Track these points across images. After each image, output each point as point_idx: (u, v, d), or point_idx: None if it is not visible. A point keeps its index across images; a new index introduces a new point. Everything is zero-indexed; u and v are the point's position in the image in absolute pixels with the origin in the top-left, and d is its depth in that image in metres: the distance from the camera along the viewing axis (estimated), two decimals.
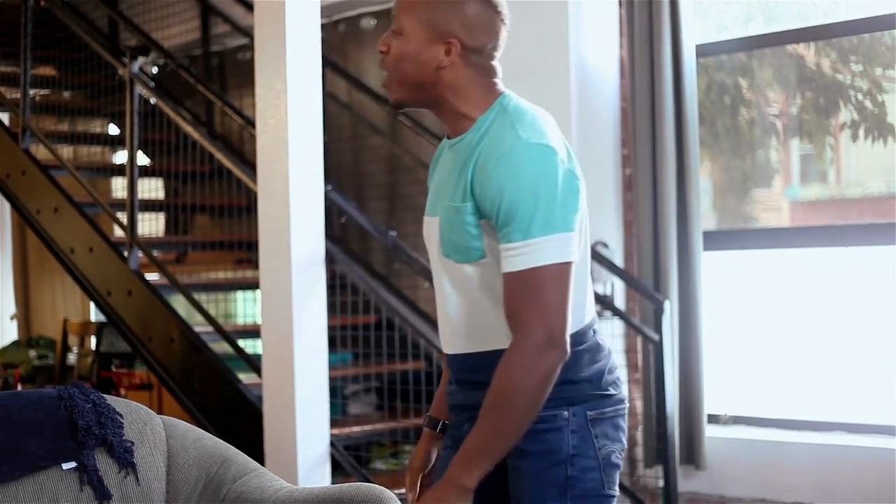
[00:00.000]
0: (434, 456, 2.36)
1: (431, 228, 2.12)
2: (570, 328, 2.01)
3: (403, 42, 2.06)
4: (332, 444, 4.40)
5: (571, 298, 1.98)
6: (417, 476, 2.34)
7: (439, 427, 2.32)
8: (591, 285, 2.12)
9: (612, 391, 2.12)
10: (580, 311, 2.09)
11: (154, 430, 2.73)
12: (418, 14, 2.05)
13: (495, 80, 2.10)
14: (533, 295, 1.94)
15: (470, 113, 2.07)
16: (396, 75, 2.08)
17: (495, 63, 2.10)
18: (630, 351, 5.06)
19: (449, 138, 2.13)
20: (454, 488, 1.96)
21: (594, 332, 2.14)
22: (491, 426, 1.96)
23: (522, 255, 1.94)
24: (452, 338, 2.13)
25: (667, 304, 4.63)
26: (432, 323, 4.85)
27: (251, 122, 5.10)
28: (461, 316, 2.08)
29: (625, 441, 2.15)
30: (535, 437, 2.05)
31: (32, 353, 7.99)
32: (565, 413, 2.06)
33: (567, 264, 1.96)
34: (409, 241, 5.15)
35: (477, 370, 2.08)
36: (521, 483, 2.08)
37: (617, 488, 2.13)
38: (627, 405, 2.18)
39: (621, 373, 4.94)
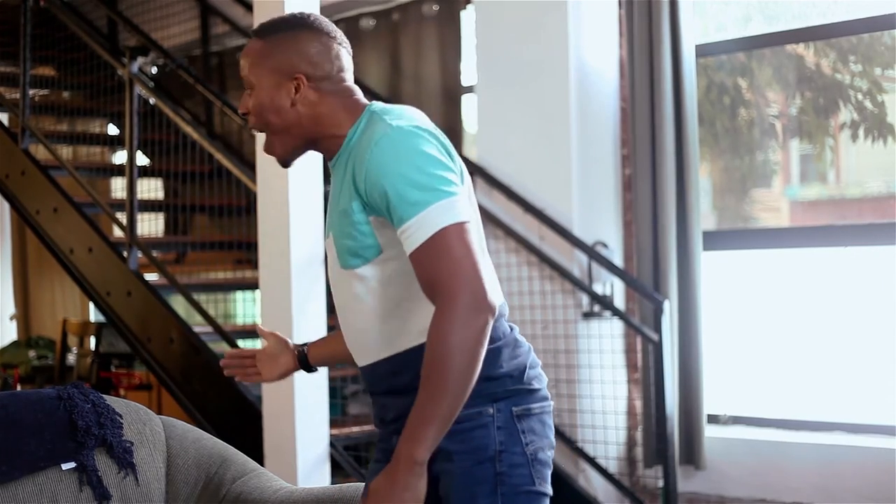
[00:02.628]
0: (283, 362, 2.48)
1: (329, 249, 2.15)
2: (491, 292, 1.99)
3: (257, 94, 2.13)
4: (332, 445, 4.40)
5: (479, 259, 1.97)
6: (252, 352, 2.51)
7: (301, 358, 2.46)
8: (492, 270, 2.08)
9: (535, 385, 2.11)
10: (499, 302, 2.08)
11: (153, 430, 2.72)
12: (261, 64, 2.12)
13: (355, 97, 2.15)
14: (442, 259, 1.94)
15: (338, 132, 2.13)
16: (266, 129, 2.15)
17: (348, 84, 2.16)
18: (629, 351, 5.06)
19: (327, 161, 2.18)
20: (405, 463, 1.92)
21: (511, 328, 2.13)
22: (431, 392, 1.92)
23: (419, 229, 1.95)
24: (368, 349, 2.13)
25: (666, 304, 4.63)
26: None
27: None
28: (372, 323, 2.09)
29: (553, 440, 2.13)
30: (461, 435, 2.04)
31: (32, 353, 7.99)
32: (490, 409, 2.05)
33: (462, 224, 1.96)
34: None
35: (398, 373, 2.08)
36: (450, 484, 2.06)
37: (549, 487, 2.10)
38: (552, 403, 2.17)
39: (620, 373, 4.99)
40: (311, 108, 2.12)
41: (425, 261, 1.95)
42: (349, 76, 2.16)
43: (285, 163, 2.20)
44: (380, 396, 2.17)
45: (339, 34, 2.16)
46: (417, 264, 1.97)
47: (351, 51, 2.19)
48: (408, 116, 2.07)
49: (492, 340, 2.04)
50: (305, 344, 2.49)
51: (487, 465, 2.03)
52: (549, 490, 2.11)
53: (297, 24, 2.13)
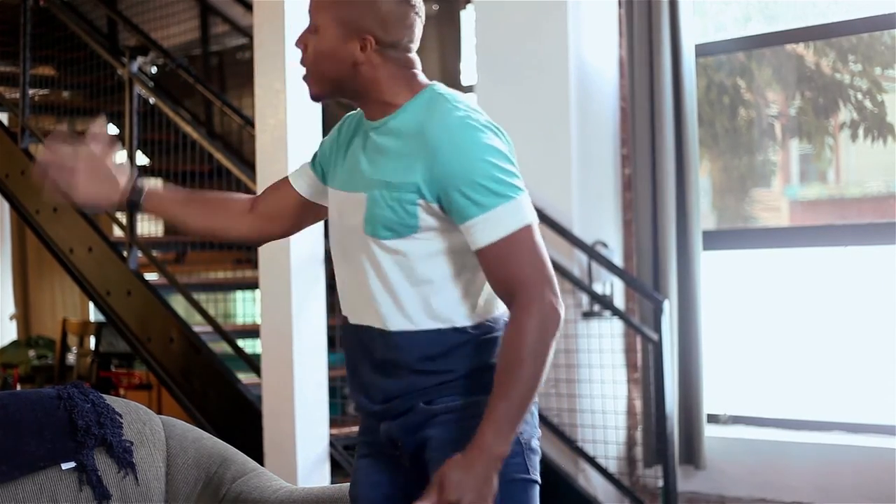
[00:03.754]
0: (107, 188, 2.22)
1: (350, 204, 2.09)
2: (498, 310, 2.07)
3: (319, 40, 2.07)
4: (332, 444, 4.40)
5: None
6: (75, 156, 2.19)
7: (133, 198, 2.25)
8: None
9: None
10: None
11: (153, 430, 2.72)
12: (331, 12, 2.05)
13: (415, 70, 2.11)
14: (522, 258, 1.96)
15: (393, 101, 2.07)
16: (315, 72, 2.10)
17: (413, 55, 2.11)
18: (629, 351, 5.07)
19: (368, 118, 2.12)
20: (489, 457, 1.92)
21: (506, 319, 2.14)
22: (518, 389, 1.94)
23: (497, 223, 1.95)
24: (369, 310, 2.09)
25: (666, 304, 4.63)
26: None
27: (250, 122, 5.10)
28: (383, 291, 2.06)
29: (538, 429, 2.15)
30: (457, 425, 2.05)
31: (31, 352, 7.99)
32: (482, 399, 2.03)
33: (535, 224, 1.99)
34: None
35: (393, 348, 2.06)
36: None
37: (538, 476, 2.12)
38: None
39: (619, 373, 4.99)
40: (372, 70, 2.05)
41: (502, 258, 1.96)
42: (415, 47, 2.11)
43: (316, 99, 2.15)
44: (363, 369, 2.12)
45: (419, 4, 2.09)
46: (491, 260, 1.97)
47: (423, 21, 2.12)
48: (475, 109, 2.06)
49: (490, 331, 2.07)
50: (142, 190, 2.27)
51: None
52: (539, 479, 2.12)
53: None
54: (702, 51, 5.08)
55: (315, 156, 2.30)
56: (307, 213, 2.32)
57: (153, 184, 2.33)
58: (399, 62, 2.08)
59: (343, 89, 2.10)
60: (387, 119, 2.08)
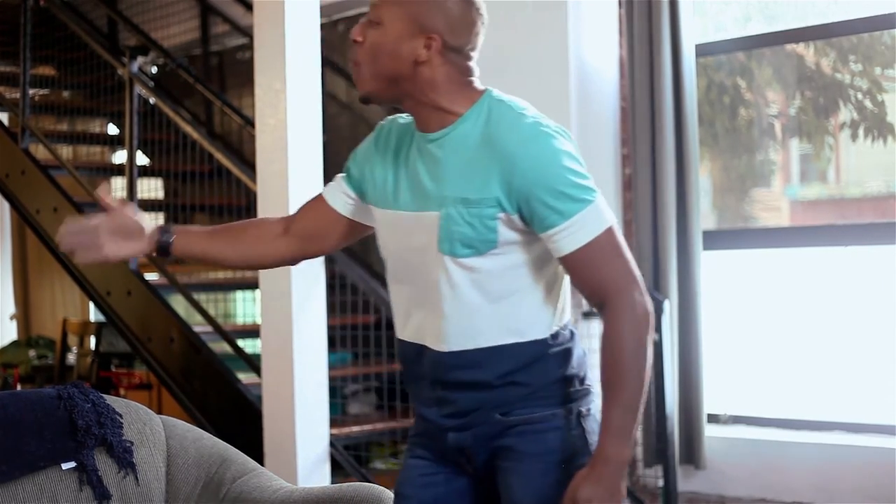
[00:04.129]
0: (134, 244, 2.18)
1: (417, 224, 2.03)
2: (566, 318, 2.09)
3: (381, 33, 2.01)
4: (332, 444, 4.40)
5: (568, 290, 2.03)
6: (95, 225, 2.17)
7: (162, 246, 2.19)
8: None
9: (591, 386, 2.12)
10: (568, 307, 2.12)
11: (153, 430, 2.72)
12: (401, 7, 1.99)
13: (472, 78, 2.07)
14: (609, 261, 1.96)
15: (451, 108, 2.03)
16: (371, 67, 2.03)
17: (473, 63, 2.08)
18: None
19: (421, 130, 2.06)
20: (616, 465, 1.94)
21: (573, 331, 2.14)
22: (629, 392, 1.95)
23: (581, 228, 1.94)
24: (447, 335, 2.04)
25: (666, 304, 4.63)
26: None
27: (250, 122, 5.10)
28: (463, 312, 2.02)
29: None
30: (535, 437, 2.04)
31: (32, 352, 7.99)
32: (561, 411, 2.05)
33: (615, 224, 1.99)
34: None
35: (479, 366, 2.03)
36: (520, 485, 2.05)
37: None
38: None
39: None
40: (431, 72, 2.00)
41: (589, 263, 1.96)
42: (476, 55, 2.08)
43: (366, 101, 2.08)
44: (432, 387, 2.08)
45: (485, 11, 2.07)
46: (579, 266, 1.97)
47: (485, 31, 2.10)
48: (541, 115, 2.04)
49: (563, 341, 2.07)
50: (170, 231, 2.22)
51: (562, 467, 2.03)
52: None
53: None
54: (702, 51, 5.08)
55: (349, 171, 2.21)
56: (349, 231, 2.24)
57: (178, 228, 2.25)
58: (459, 68, 2.04)
59: (398, 89, 2.03)
60: (447, 131, 2.02)
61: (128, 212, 2.20)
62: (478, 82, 2.08)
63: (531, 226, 1.97)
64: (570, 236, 1.94)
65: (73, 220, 2.22)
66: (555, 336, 2.05)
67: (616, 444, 1.94)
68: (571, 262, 1.97)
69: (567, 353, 2.07)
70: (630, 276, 1.97)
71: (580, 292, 2.02)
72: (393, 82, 2.02)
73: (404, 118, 2.16)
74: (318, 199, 2.26)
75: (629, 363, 1.95)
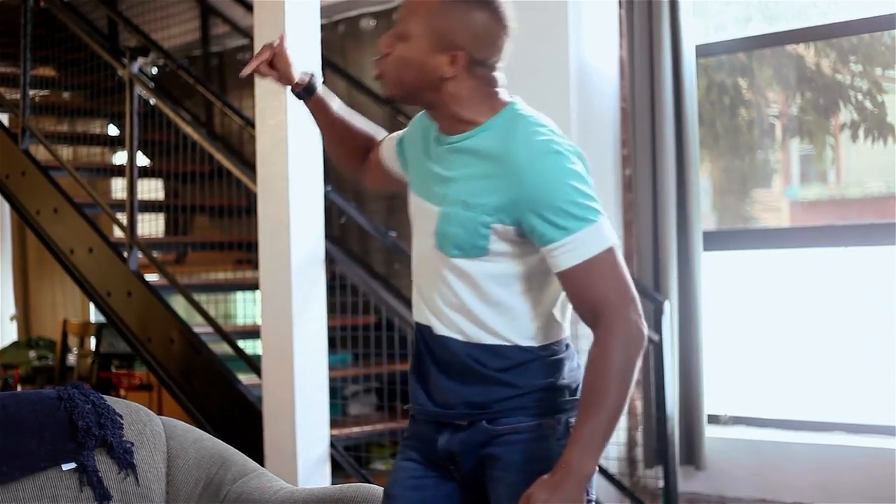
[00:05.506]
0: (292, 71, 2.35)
1: (427, 215, 2.11)
2: (564, 333, 2.10)
3: (408, 47, 2.04)
4: (332, 445, 4.40)
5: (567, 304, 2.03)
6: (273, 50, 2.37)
7: (309, 88, 2.37)
8: None
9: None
10: (568, 318, 2.14)
11: (154, 430, 2.73)
12: (428, 21, 2.02)
13: (498, 89, 2.10)
14: (606, 280, 1.97)
15: (473, 119, 2.06)
16: (395, 77, 2.07)
17: (497, 74, 2.10)
18: None
19: (444, 133, 2.10)
20: (578, 477, 1.93)
21: (568, 343, 2.16)
22: (605, 409, 1.95)
23: (580, 245, 1.96)
24: (450, 320, 2.08)
25: (667, 305, 4.63)
26: None
27: (251, 123, 5.10)
28: (461, 303, 2.07)
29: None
30: (522, 446, 2.05)
31: (32, 353, 7.99)
32: (550, 421, 2.06)
33: (616, 246, 2.01)
34: (409, 242, 5.14)
35: (477, 361, 2.06)
36: (506, 494, 2.06)
37: (595, 492, 2.12)
38: None
39: None
40: (456, 86, 2.04)
41: (585, 280, 1.98)
42: (502, 67, 2.11)
43: (390, 100, 2.17)
44: (431, 372, 2.12)
45: (511, 24, 2.08)
46: (575, 282, 1.99)
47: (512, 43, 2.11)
48: (557, 132, 2.05)
49: (555, 352, 2.09)
50: (317, 81, 2.39)
51: None
52: (595, 496, 2.12)
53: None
54: (702, 51, 5.08)
55: (402, 138, 2.30)
56: (385, 176, 2.38)
57: (324, 89, 2.41)
58: (484, 80, 2.07)
59: (421, 99, 2.09)
60: (466, 135, 2.06)
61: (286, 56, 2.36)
62: (504, 93, 2.11)
63: (532, 239, 2.00)
64: (569, 252, 1.96)
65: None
66: (544, 348, 2.07)
67: (581, 456, 1.94)
68: (568, 278, 1.99)
69: (558, 363, 2.09)
70: (626, 296, 1.98)
71: (575, 310, 2.04)
72: (415, 92, 2.08)
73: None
74: (383, 139, 2.40)
75: (613, 381, 1.95)
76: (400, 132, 2.32)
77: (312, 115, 2.42)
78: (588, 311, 2.00)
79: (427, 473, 2.17)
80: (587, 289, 1.98)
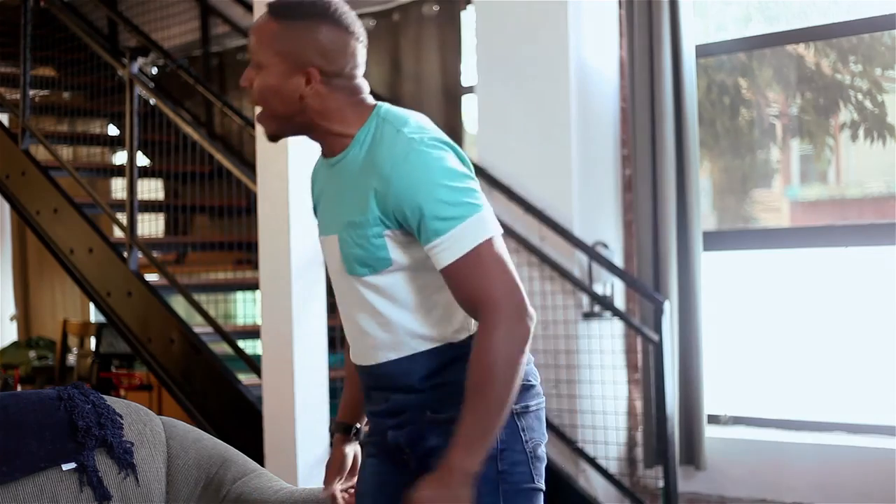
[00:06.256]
0: (349, 460, 2.40)
1: (330, 247, 2.13)
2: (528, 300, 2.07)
3: (264, 76, 2.08)
4: (332, 445, 4.39)
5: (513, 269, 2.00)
6: (334, 479, 2.41)
7: (352, 432, 2.40)
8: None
9: (532, 381, 2.13)
10: None
11: (154, 430, 2.72)
12: (273, 47, 2.06)
13: (363, 96, 2.12)
14: (482, 274, 1.96)
15: (345, 131, 2.09)
16: (266, 110, 2.11)
17: (359, 81, 2.12)
18: (630, 351, 5.06)
19: (325, 157, 2.15)
20: (459, 475, 1.94)
21: None
22: (485, 406, 1.95)
23: (453, 244, 1.95)
24: (370, 350, 2.13)
25: (666, 305, 4.63)
26: None
27: (251, 123, 5.10)
28: (376, 329, 2.09)
29: (546, 435, 2.16)
30: None
31: (32, 353, 7.99)
32: None
33: (495, 237, 1.99)
34: None
35: (400, 375, 2.10)
36: None
37: (543, 483, 2.13)
38: (545, 399, 2.18)
39: (620, 374, 4.98)
40: (319, 101, 2.07)
41: (463, 276, 1.96)
42: (361, 72, 2.12)
43: (274, 139, 2.17)
44: (383, 391, 2.16)
45: (357, 28, 2.11)
46: (454, 279, 1.98)
47: (366, 45, 2.14)
48: (421, 126, 2.05)
49: None
50: (340, 422, 2.43)
51: (490, 463, 2.03)
52: (543, 486, 2.13)
53: (317, 14, 2.06)
54: (702, 51, 5.08)
55: (313, 206, 2.31)
56: None
57: (345, 413, 2.45)
58: (346, 90, 2.09)
59: (294, 124, 2.11)
60: (341, 156, 2.10)
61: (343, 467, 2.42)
62: (369, 98, 2.13)
63: (417, 239, 2.01)
64: (445, 251, 1.96)
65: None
66: (471, 338, 2.06)
67: (462, 454, 1.94)
68: (449, 275, 1.98)
69: None
70: (506, 287, 1.96)
71: (461, 305, 2.02)
72: (289, 119, 2.11)
73: None
74: None
75: (495, 374, 1.94)
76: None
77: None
78: (471, 307, 1.99)
79: (388, 470, 2.20)
80: (466, 283, 1.97)
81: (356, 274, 2.07)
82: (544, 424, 2.15)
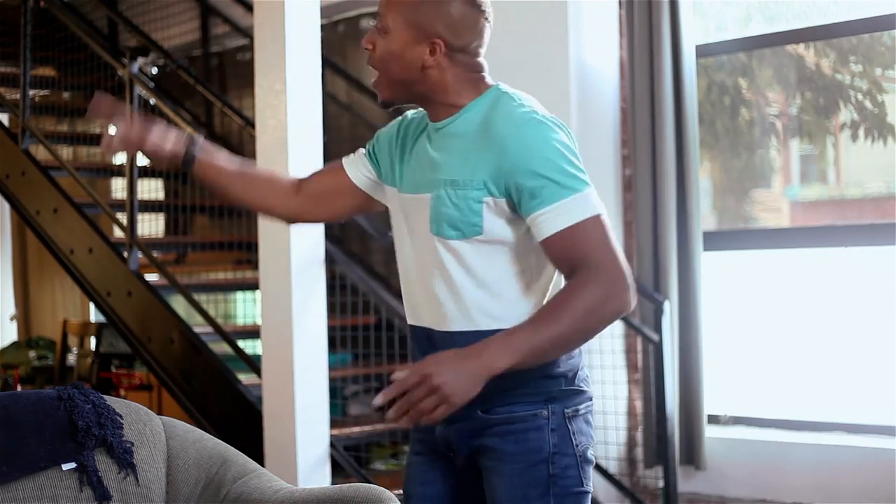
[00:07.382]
0: (153, 134, 2.26)
1: (417, 205, 2.10)
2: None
3: (388, 41, 2.08)
4: (332, 445, 4.40)
5: None
6: (126, 122, 2.27)
7: (192, 141, 2.28)
8: None
9: (583, 387, 2.13)
10: None
11: (154, 430, 2.72)
12: (403, 14, 2.06)
13: (483, 74, 2.13)
14: (591, 243, 1.94)
15: (459, 102, 2.09)
16: (383, 74, 2.11)
17: (481, 59, 2.13)
18: (630, 351, 5.06)
19: (432, 121, 2.13)
20: (480, 365, 1.88)
21: None
22: (550, 335, 1.90)
23: (566, 212, 1.94)
24: (443, 316, 2.08)
25: (666, 305, 4.63)
26: None
27: (251, 123, 5.10)
28: (455, 294, 2.06)
29: (594, 437, 2.15)
30: (515, 436, 2.06)
31: (32, 353, 7.99)
32: (544, 412, 2.06)
33: (605, 216, 1.98)
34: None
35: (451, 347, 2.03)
36: (501, 484, 2.07)
37: (591, 484, 2.13)
38: (593, 402, 2.17)
39: (620, 373, 4.98)
40: (439, 73, 2.08)
41: (570, 243, 1.94)
42: (483, 51, 2.13)
43: (386, 106, 2.16)
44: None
45: (488, 9, 2.11)
46: (563, 243, 1.95)
47: (490, 30, 2.13)
48: (541, 107, 2.07)
49: None
50: (198, 145, 2.30)
51: (541, 466, 2.04)
52: (591, 487, 2.12)
53: None
54: (702, 51, 5.08)
55: (372, 148, 2.29)
56: (359, 203, 2.31)
57: (207, 145, 2.32)
58: (467, 66, 2.10)
59: (411, 92, 2.11)
60: (452, 118, 2.09)
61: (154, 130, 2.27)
62: (488, 77, 2.14)
63: (518, 209, 1.99)
64: (554, 219, 1.95)
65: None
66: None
67: (498, 351, 1.90)
68: (552, 245, 1.96)
69: None
70: (615, 259, 1.93)
71: (560, 272, 2.00)
72: (406, 86, 2.10)
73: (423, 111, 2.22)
74: (336, 166, 2.33)
75: (572, 316, 1.90)
76: (359, 151, 2.31)
77: (208, 180, 2.31)
78: (569, 268, 1.96)
79: (433, 467, 2.19)
80: (571, 251, 1.94)
81: (442, 235, 2.04)
82: (593, 427, 2.15)
